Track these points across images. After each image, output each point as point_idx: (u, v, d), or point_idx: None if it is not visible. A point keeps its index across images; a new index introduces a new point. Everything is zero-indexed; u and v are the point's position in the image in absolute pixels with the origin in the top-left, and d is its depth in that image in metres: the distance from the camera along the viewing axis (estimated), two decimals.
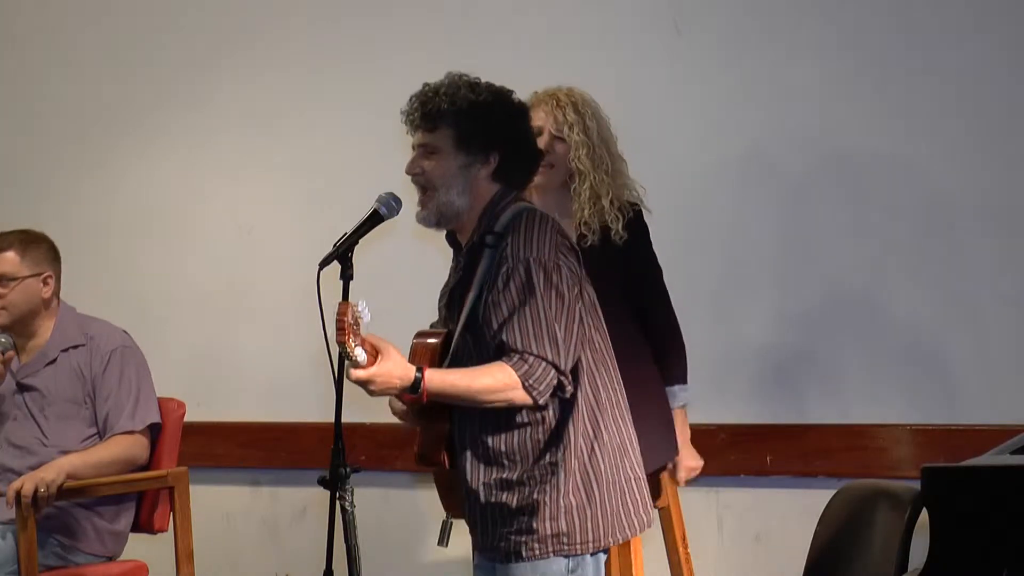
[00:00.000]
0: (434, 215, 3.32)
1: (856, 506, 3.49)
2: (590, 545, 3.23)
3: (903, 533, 3.23)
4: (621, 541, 3.31)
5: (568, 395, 3.20)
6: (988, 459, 3.14)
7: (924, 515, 2.95)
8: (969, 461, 3.01)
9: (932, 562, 2.83)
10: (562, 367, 3.16)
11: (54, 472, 4.18)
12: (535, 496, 3.20)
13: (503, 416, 3.21)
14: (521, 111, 3.36)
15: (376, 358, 3.11)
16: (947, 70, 4.37)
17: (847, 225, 4.48)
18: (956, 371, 4.38)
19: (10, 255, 4.43)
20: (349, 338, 3.04)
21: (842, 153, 4.49)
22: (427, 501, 4.73)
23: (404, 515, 5.03)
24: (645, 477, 3.38)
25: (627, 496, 3.28)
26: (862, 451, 4.43)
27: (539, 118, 3.87)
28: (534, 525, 3.20)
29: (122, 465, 4.35)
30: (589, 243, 3.84)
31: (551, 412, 3.22)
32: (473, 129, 3.27)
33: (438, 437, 3.32)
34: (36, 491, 4.10)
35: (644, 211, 3.96)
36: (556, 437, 3.21)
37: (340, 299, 3.12)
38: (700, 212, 4.61)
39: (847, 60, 4.47)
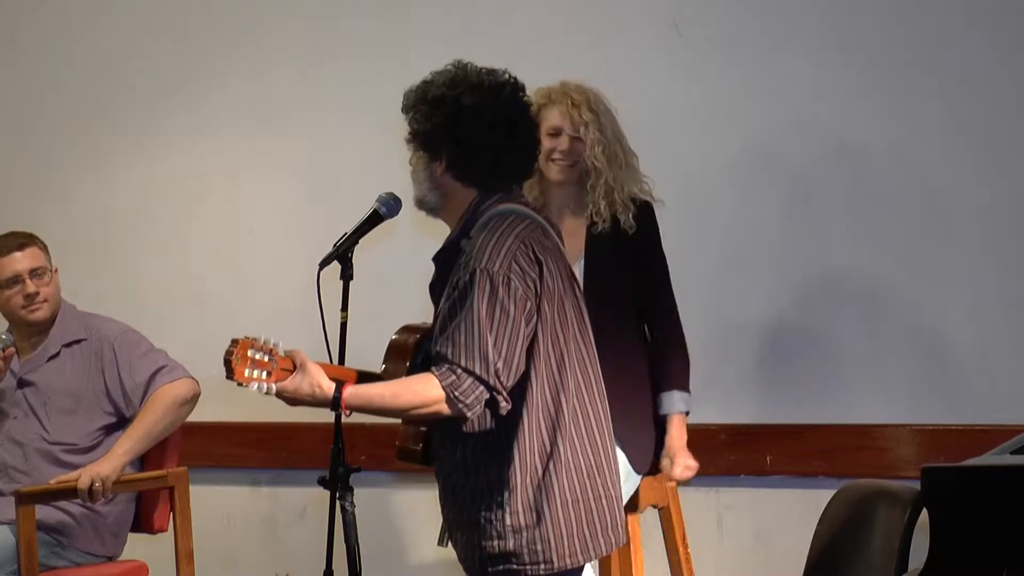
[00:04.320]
0: (417, 203, 3.33)
1: (856, 506, 3.49)
2: (541, 567, 3.15)
3: (903, 533, 3.24)
4: (583, 563, 3.21)
5: (503, 412, 3.12)
6: (988, 459, 3.14)
7: (924, 515, 2.96)
8: (969, 461, 3.01)
9: (932, 562, 2.83)
10: (491, 383, 3.07)
11: (109, 467, 4.20)
12: (481, 512, 3.15)
13: (456, 424, 3.15)
14: (478, 107, 3.23)
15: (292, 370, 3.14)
16: (947, 69, 4.37)
17: (847, 225, 4.48)
18: (956, 371, 4.38)
19: (37, 250, 4.44)
20: (243, 373, 3.12)
21: (842, 152, 4.49)
22: (427, 501, 4.72)
23: (404, 515, 5.03)
24: (619, 497, 3.29)
25: (594, 516, 3.20)
26: (862, 451, 4.43)
27: (555, 118, 3.90)
28: (482, 543, 3.15)
29: (174, 413, 4.34)
30: (599, 230, 3.88)
31: (498, 426, 3.14)
32: (418, 127, 3.26)
33: (417, 434, 3.32)
34: (91, 485, 4.16)
35: (655, 206, 3.97)
36: (501, 452, 3.14)
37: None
38: (700, 211, 4.61)
39: (847, 59, 4.47)
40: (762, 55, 4.57)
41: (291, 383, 3.12)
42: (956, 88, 4.37)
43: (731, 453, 4.56)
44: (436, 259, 3.29)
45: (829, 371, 4.49)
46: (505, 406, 3.11)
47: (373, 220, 3.35)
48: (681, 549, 4.10)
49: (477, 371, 3.06)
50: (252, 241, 5.27)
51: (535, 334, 3.15)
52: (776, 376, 4.56)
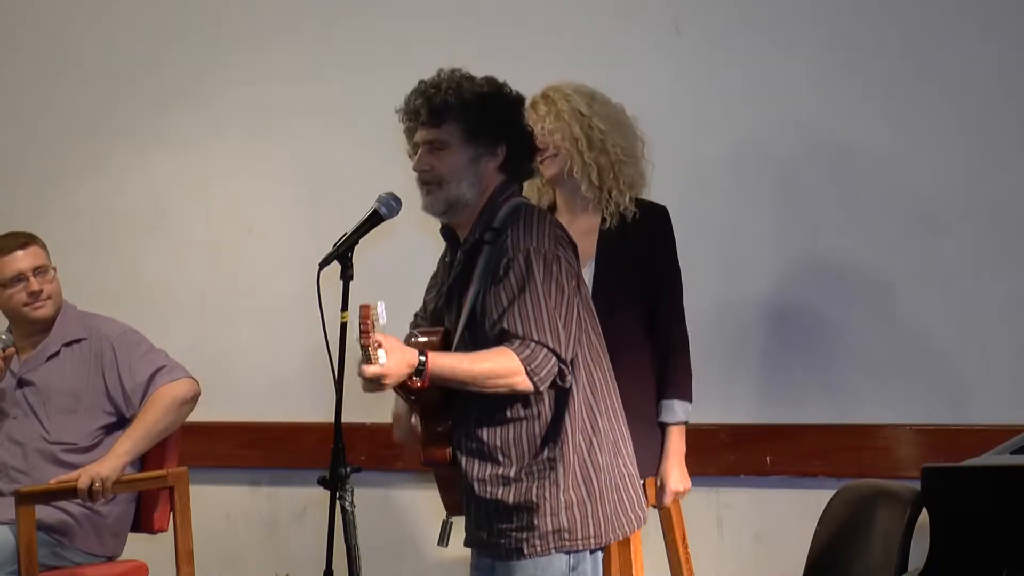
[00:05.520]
0: (442, 204, 3.32)
1: (856, 506, 3.49)
2: (591, 541, 3.24)
3: (903, 533, 3.24)
4: (620, 538, 3.32)
5: (568, 385, 3.20)
6: (988, 459, 3.14)
7: (924, 515, 2.96)
8: (969, 461, 3.01)
9: (932, 562, 2.83)
10: (563, 355, 3.16)
11: (109, 468, 4.20)
12: (534, 492, 3.20)
13: (498, 410, 3.22)
14: (520, 101, 3.38)
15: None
16: (947, 69, 4.38)
17: (847, 225, 4.48)
18: (956, 371, 4.38)
19: (39, 249, 4.45)
20: (371, 340, 3.06)
21: (842, 152, 4.49)
22: (427, 501, 4.73)
23: (404, 515, 5.03)
24: (638, 474, 3.39)
25: (623, 492, 3.29)
26: (862, 451, 4.43)
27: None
28: (535, 522, 3.20)
29: (174, 413, 4.34)
30: (608, 226, 3.89)
31: (546, 406, 3.22)
32: (480, 122, 3.28)
33: (441, 436, 3.32)
34: (91, 485, 4.15)
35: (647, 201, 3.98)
36: (553, 432, 3.22)
37: (360, 301, 3.12)
38: (699, 211, 4.61)
39: (846, 59, 4.47)
40: (761, 55, 4.57)
41: (392, 360, 3.09)
42: (956, 87, 4.37)
43: (731, 453, 4.56)
44: (464, 254, 3.32)
45: (829, 371, 4.49)
46: (570, 379, 3.20)
47: (373, 220, 3.35)
48: (681, 549, 4.10)
49: (550, 343, 3.15)
50: (252, 241, 5.27)
51: (578, 311, 3.24)
52: (776, 376, 4.56)
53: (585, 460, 3.23)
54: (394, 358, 3.10)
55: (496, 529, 3.26)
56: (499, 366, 3.15)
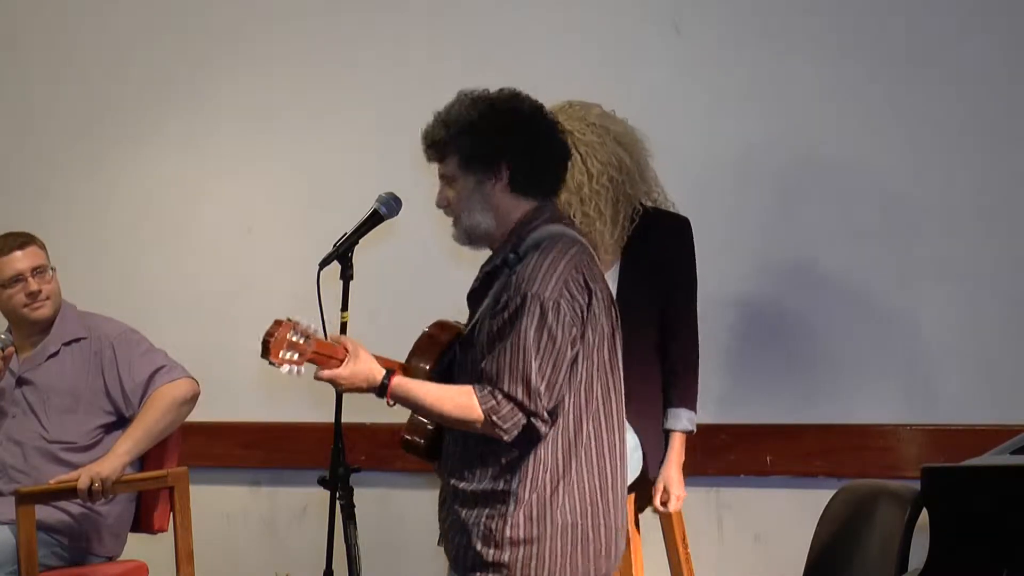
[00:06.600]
0: (464, 236, 3.29)
1: (856, 506, 3.49)
2: None
3: (903, 533, 3.24)
4: None
5: (544, 434, 3.14)
6: (988, 459, 3.15)
7: (924, 515, 2.96)
8: (969, 461, 3.02)
9: (932, 562, 2.84)
10: (531, 408, 3.10)
11: (109, 468, 4.20)
12: (483, 519, 3.16)
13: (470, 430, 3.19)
14: (529, 114, 3.26)
15: (345, 356, 3.13)
16: (947, 70, 4.38)
17: (846, 225, 4.48)
18: (956, 371, 4.38)
19: (37, 249, 4.45)
20: (277, 354, 3.05)
21: (843, 152, 4.49)
22: (427, 501, 4.72)
23: (404, 515, 5.03)
24: (620, 526, 3.27)
25: (590, 542, 3.19)
26: (862, 451, 4.43)
27: None
28: (478, 548, 3.16)
29: (174, 413, 4.34)
30: (629, 237, 3.87)
31: (515, 440, 3.16)
32: (473, 148, 3.20)
33: (424, 430, 3.32)
34: (91, 485, 4.15)
35: (666, 209, 3.98)
36: (515, 466, 3.16)
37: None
38: (700, 211, 4.58)
39: (847, 60, 4.47)
40: (761, 55, 4.57)
41: (346, 369, 3.13)
42: (957, 87, 4.37)
43: (731, 453, 4.56)
44: (486, 273, 3.28)
45: (829, 371, 4.49)
46: (545, 430, 3.14)
47: (373, 220, 3.35)
48: (681, 549, 4.10)
49: (519, 397, 3.09)
50: (252, 241, 5.27)
51: (575, 360, 3.17)
52: (776, 376, 4.55)
53: (544, 502, 3.15)
54: (349, 368, 3.12)
55: (451, 538, 3.25)
56: (461, 411, 3.12)
